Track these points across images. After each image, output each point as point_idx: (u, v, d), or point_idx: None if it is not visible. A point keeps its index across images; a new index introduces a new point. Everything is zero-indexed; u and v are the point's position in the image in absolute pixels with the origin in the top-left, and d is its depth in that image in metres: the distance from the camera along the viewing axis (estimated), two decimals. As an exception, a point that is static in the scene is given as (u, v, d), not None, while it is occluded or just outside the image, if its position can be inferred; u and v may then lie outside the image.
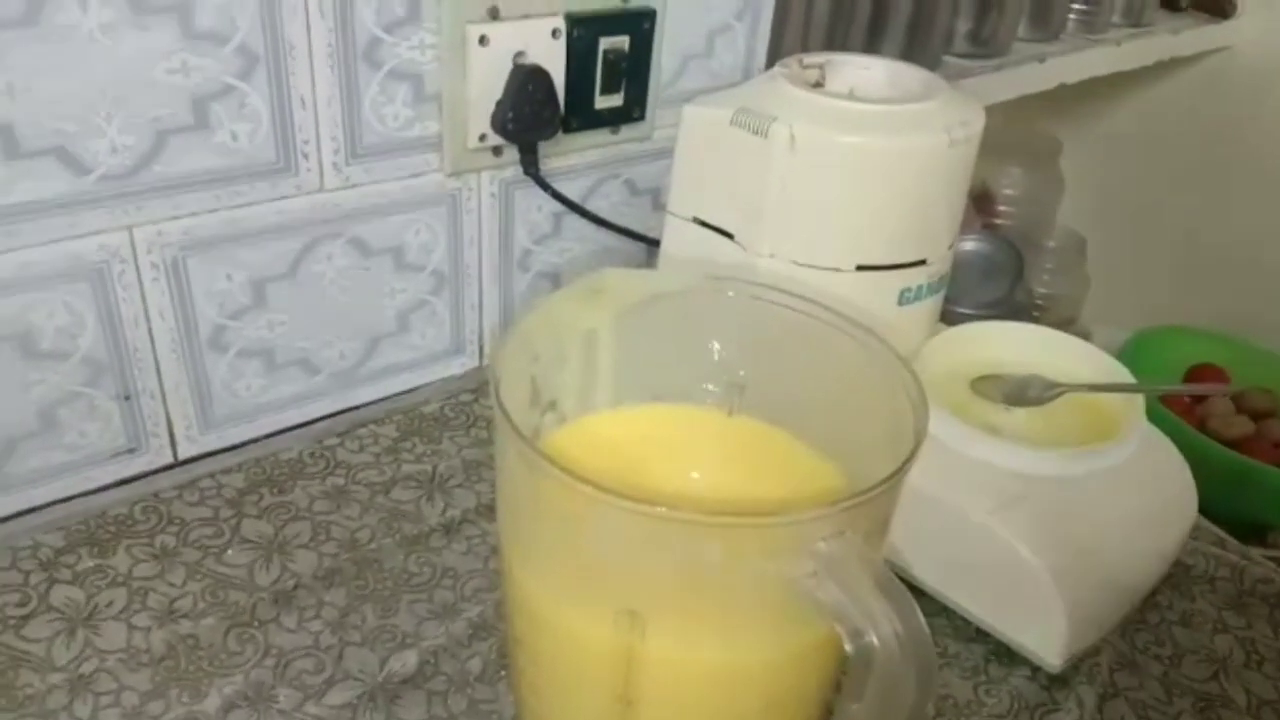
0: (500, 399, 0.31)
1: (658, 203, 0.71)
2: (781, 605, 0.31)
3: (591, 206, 0.68)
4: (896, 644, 0.28)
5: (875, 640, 0.28)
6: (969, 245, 1.16)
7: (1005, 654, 0.49)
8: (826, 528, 0.29)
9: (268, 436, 0.60)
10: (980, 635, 0.50)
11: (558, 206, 0.66)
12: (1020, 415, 0.53)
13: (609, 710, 0.34)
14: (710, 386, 0.42)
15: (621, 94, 0.65)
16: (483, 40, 0.57)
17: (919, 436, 0.32)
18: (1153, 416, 0.52)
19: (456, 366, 0.67)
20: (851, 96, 0.53)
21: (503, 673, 0.46)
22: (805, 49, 0.80)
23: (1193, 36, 1.21)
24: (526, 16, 0.58)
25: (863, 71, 0.56)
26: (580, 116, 0.64)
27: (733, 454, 0.42)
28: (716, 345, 0.42)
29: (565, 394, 0.41)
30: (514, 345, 0.36)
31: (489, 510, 0.56)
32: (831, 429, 0.39)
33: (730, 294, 0.41)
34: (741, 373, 0.42)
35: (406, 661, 0.47)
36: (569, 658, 0.35)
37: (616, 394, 0.42)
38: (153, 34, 0.47)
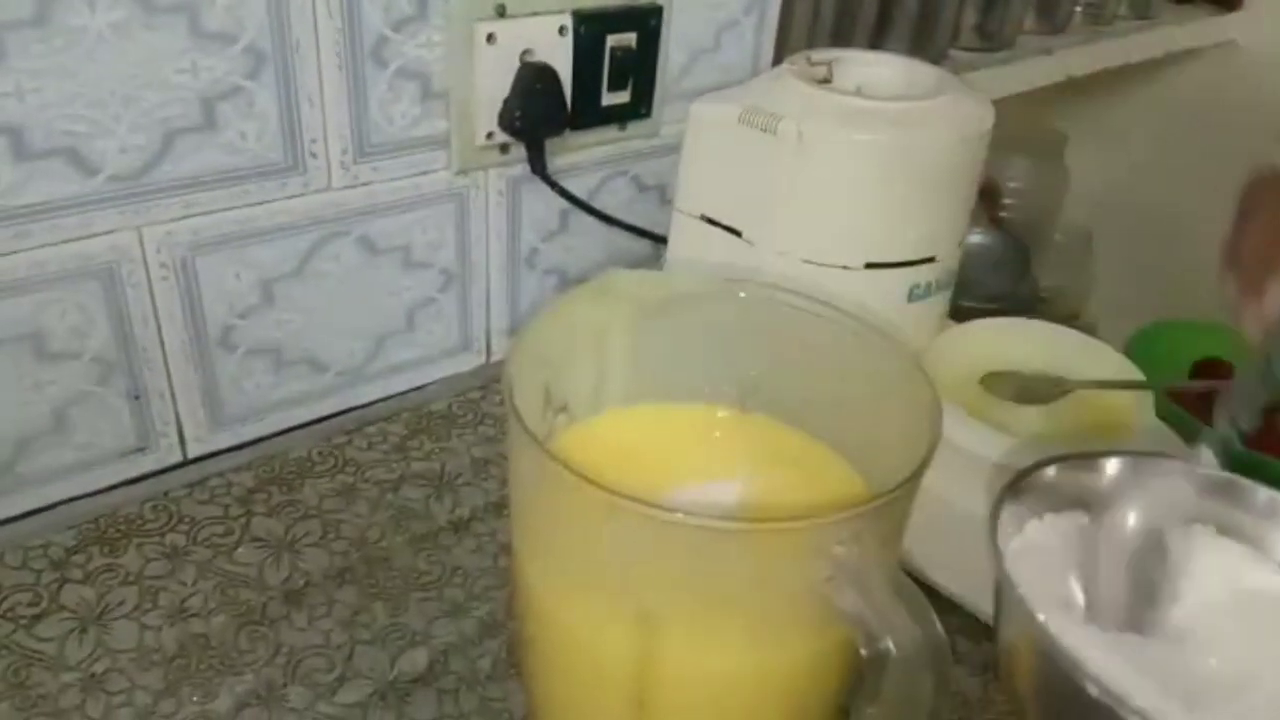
0: (515, 405, 0.31)
1: (664, 199, 0.71)
2: (797, 609, 0.31)
3: (599, 203, 0.68)
4: (913, 649, 0.28)
5: (891, 645, 0.28)
6: (974, 239, 1.15)
7: (1015, 652, 0.49)
8: (843, 532, 0.29)
9: (276, 435, 0.60)
10: (990, 633, 0.50)
11: (565, 203, 0.66)
12: (1030, 413, 0.53)
13: (622, 713, 0.34)
14: (724, 386, 0.42)
15: (628, 91, 0.64)
16: (490, 38, 0.57)
17: (934, 440, 0.32)
18: (1161, 411, 0.52)
19: (464, 364, 0.67)
20: (859, 93, 0.53)
21: (513, 670, 0.46)
22: (812, 44, 0.80)
23: (1199, 29, 1.21)
24: (534, 14, 0.58)
25: (871, 68, 0.56)
26: (587, 113, 0.63)
27: (746, 453, 0.42)
28: (729, 345, 0.42)
29: (576, 396, 0.41)
30: (526, 350, 0.36)
31: (498, 508, 0.56)
32: (844, 428, 0.39)
33: (742, 295, 0.41)
34: (754, 372, 0.42)
35: (417, 660, 0.47)
36: (582, 660, 0.35)
37: (628, 394, 0.42)
38: (161, 34, 0.47)
